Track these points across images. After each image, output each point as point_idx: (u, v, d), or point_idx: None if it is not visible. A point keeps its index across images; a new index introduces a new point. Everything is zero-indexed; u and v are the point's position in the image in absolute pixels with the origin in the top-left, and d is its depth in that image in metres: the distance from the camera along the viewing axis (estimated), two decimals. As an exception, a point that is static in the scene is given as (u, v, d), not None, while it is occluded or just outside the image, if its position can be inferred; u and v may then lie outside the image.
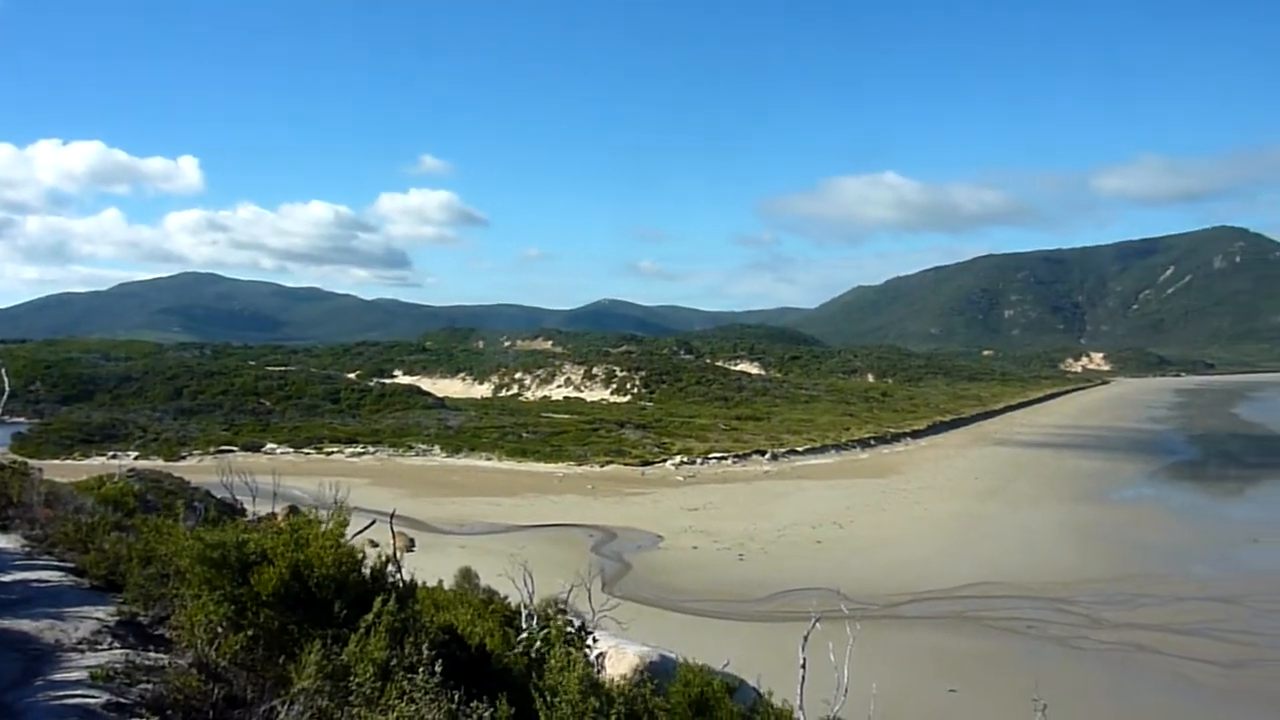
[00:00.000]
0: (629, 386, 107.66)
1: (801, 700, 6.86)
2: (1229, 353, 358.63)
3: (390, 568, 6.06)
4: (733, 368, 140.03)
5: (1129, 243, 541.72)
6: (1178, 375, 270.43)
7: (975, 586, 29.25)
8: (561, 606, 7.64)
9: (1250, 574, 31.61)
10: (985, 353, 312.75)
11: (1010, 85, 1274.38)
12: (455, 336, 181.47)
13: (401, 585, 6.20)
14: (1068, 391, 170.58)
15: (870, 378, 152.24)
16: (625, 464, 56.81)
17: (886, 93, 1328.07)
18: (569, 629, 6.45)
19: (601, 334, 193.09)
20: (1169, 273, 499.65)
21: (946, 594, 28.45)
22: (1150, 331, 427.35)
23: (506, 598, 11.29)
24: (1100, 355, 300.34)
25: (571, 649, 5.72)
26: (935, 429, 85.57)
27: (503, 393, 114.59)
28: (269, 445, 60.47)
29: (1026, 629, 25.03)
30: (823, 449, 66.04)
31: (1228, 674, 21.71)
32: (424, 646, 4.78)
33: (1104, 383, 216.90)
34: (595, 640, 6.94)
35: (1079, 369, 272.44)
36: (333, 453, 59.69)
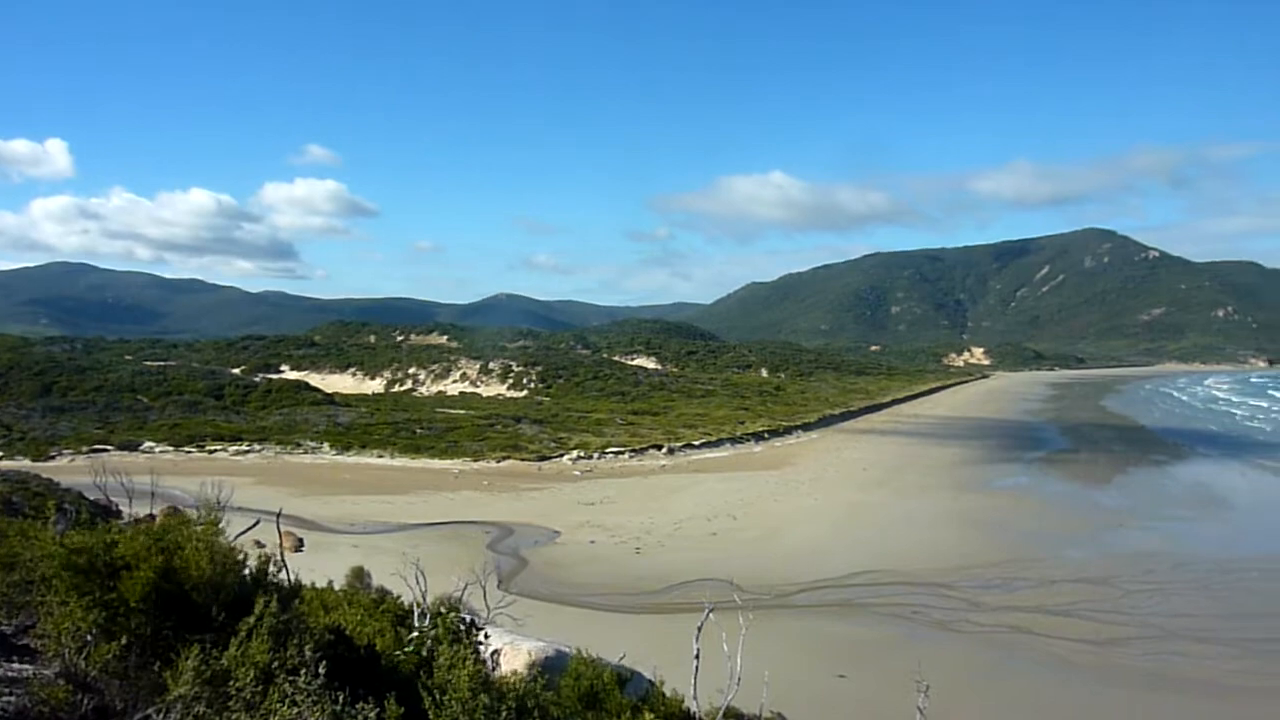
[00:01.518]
0: (525, 381, 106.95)
1: (695, 690, 6.95)
2: (1098, 348, 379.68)
3: (273, 568, 5.87)
4: (629, 362, 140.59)
5: (1006, 243, 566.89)
6: (1052, 369, 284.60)
7: (864, 574, 30.16)
8: (454, 604, 7.54)
9: (1118, 556, 33.51)
10: (873, 348, 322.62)
11: (890, 92, 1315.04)
12: (346, 331, 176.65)
13: (286, 586, 6.01)
14: (951, 385, 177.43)
15: (764, 372, 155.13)
16: (522, 459, 56.44)
17: (775, 94, 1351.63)
18: (458, 626, 6.36)
19: (498, 328, 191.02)
20: (1044, 272, 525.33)
21: (836, 582, 29.25)
22: (1027, 327, 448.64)
23: (399, 597, 11.07)
24: (981, 350, 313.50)
25: (460, 646, 5.65)
26: (826, 422, 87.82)
27: (395, 388, 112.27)
28: (147, 444, 57.75)
29: (911, 614, 25.94)
30: (718, 443, 67.00)
31: (1098, 651, 22.97)
32: (308, 648, 4.64)
33: (984, 376, 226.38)
34: (486, 637, 6.87)
35: (961, 363, 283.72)
36: (216, 451, 57.41)
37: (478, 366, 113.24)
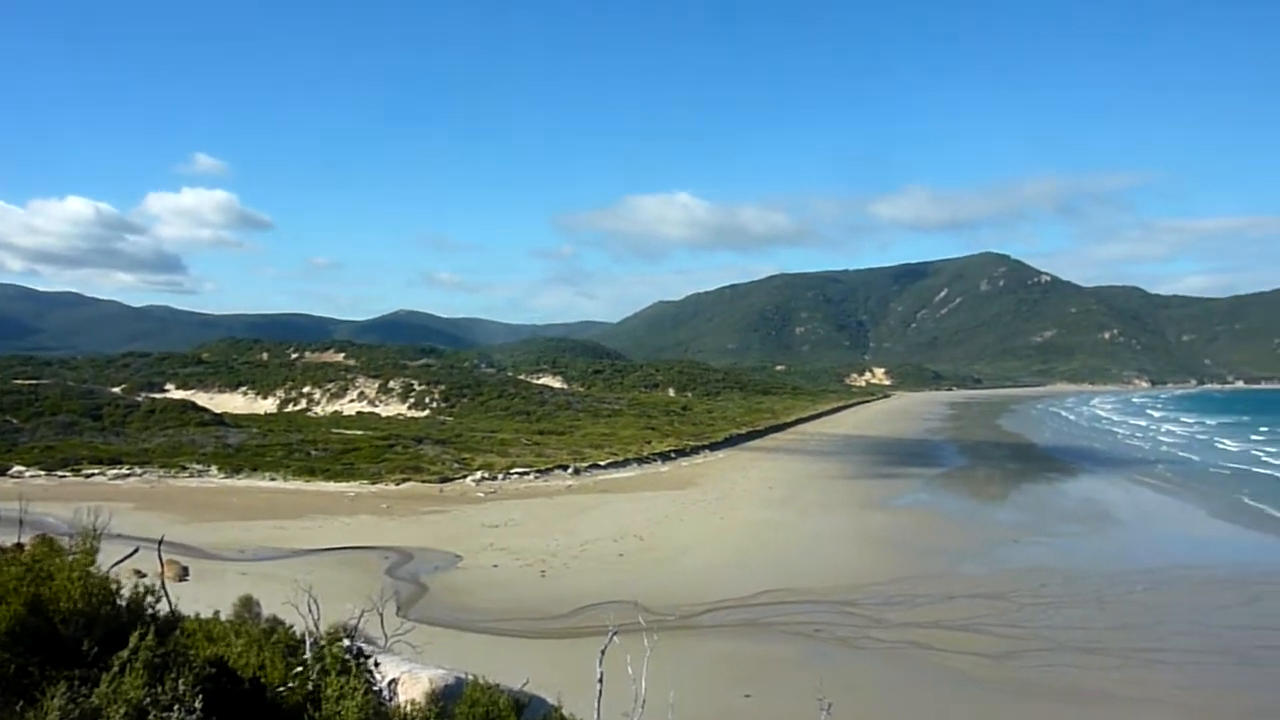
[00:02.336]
0: (427, 400, 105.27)
1: (599, 714, 6.90)
2: (993, 368, 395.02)
3: (152, 598, 5.59)
4: (535, 381, 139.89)
5: (906, 265, 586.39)
6: (950, 389, 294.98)
7: (769, 593, 30.52)
8: (349, 632, 7.31)
9: (1013, 571, 34.76)
10: (778, 367, 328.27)
11: (792, 116, 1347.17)
12: (236, 348, 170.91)
13: (166, 617, 5.73)
14: (853, 405, 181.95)
15: (671, 391, 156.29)
16: (423, 481, 55.40)
17: (679, 115, 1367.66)
18: (345, 656, 6.17)
19: (398, 346, 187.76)
20: (942, 294, 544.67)
21: (742, 601, 29.52)
22: (926, 348, 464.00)
23: (291, 627, 10.69)
24: (882, 370, 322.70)
25: (350, 677, 5.47)
26: (732, 441, 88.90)
27: (289, 408, 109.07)
28: (16, 468, 54.57)
29: (815, 632, 26.36)
30: (625, 463, 67.08)
31: (995, 664, 23.73)
32: (184, 682, 4.42)
33: (885, 396, 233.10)
34: (376, 665, 6.67)
35: (863, 383, 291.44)
36: (93, 475, 54.62)
37: (377, 385, 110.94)
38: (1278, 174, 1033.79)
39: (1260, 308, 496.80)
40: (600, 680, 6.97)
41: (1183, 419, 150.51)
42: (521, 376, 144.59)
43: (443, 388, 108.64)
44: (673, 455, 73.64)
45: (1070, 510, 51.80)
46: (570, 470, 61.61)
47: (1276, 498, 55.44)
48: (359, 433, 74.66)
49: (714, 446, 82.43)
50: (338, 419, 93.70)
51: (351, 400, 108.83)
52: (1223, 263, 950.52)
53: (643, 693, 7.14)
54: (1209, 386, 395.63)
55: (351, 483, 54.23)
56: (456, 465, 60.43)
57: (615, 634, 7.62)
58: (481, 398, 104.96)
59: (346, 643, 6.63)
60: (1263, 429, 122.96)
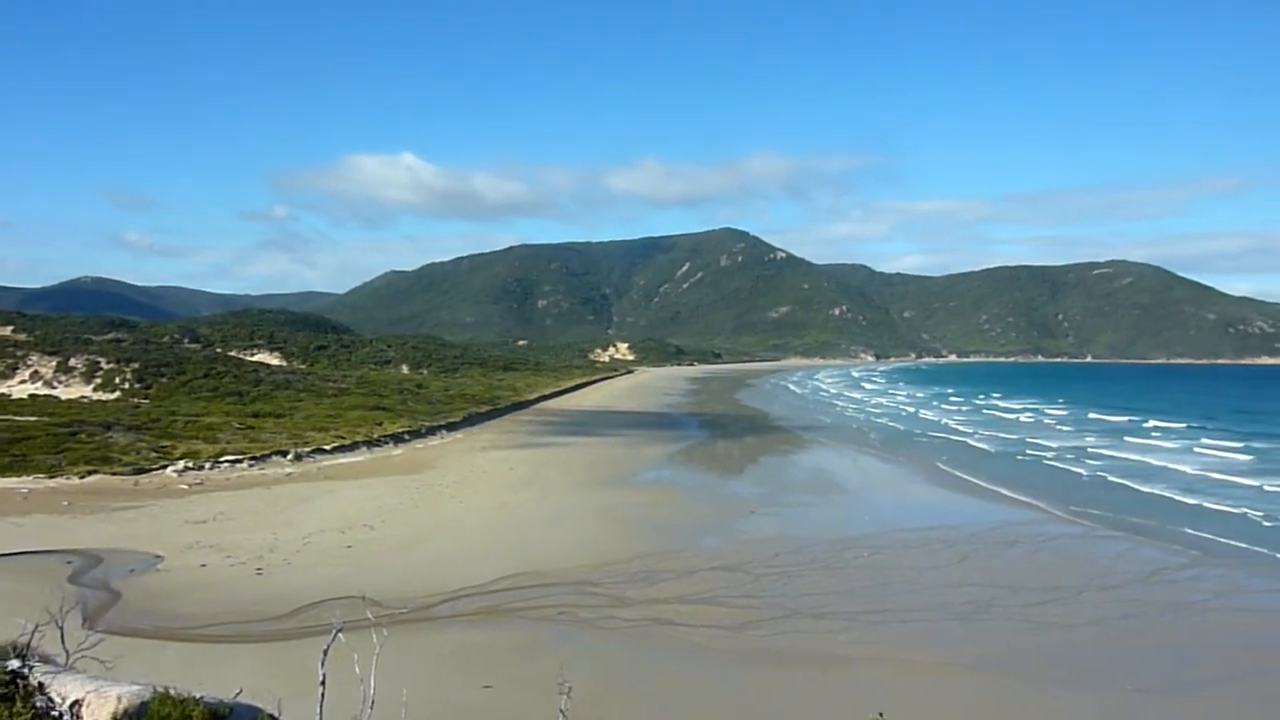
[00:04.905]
0: (118, 381, 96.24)
1: (321, 718, 6.67)
2: (732, 344, 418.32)
3: None
4: (249, 358, 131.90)
5: (649, 239, 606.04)
6: (691, 364, 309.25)
7: (510, 578, 30.73)
8: (18, 653, 6.58)
9: (750, 542, 37.15)
10: (520, 342, 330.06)
11: (516, 78, 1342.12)
12: None
13: None
14: (597, 380, 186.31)
15: (405, 369, 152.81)
16: (113, 473, 50.74)
17: (403, 70, 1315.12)
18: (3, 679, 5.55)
19: (82, 318, 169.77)
20: (684, 269, 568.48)
21: (481, 588, 29.53)
22: (669, 323, 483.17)
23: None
24: (626, 345, 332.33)
25: (13, 705, 4.94)
26: (472, 421, 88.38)
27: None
28: None
29: (558, 615, 26.88)
30: (353, 446, 64.87)
31: (732, 635, 25.30)
32: None
33: (629, 371, 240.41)
34: (41, 688, 6.06)
35: (607, 358, 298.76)
36: None
37: (55, 363, 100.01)
38: (980, 161, 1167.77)
39: (969, 286, 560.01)
40: (323, 683, 6.74)
41: (892, 391, 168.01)
42: (233, 353, 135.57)
43: (136, 366, 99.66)
44: (407, 437, 72.11)
45: (801, 481, 56.08)
46: (290, 456, 58.71)
47: (967, 463, 63.57)
48: (33, 419, 67.01)
49: (452, 427, 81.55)
50: (4, 403, 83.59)
51: (23, 381, 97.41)
52: (936, 243, 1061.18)
53: (371, 693, 6.98)
54: (926, 360, 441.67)
55: (24, 477, 48.75)
56: (154, 454, 55.82)
57: (339, 631, 7.38)
58: (184, 377, 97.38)
59: (15, 664, 5.95)
60: (956, 400, 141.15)
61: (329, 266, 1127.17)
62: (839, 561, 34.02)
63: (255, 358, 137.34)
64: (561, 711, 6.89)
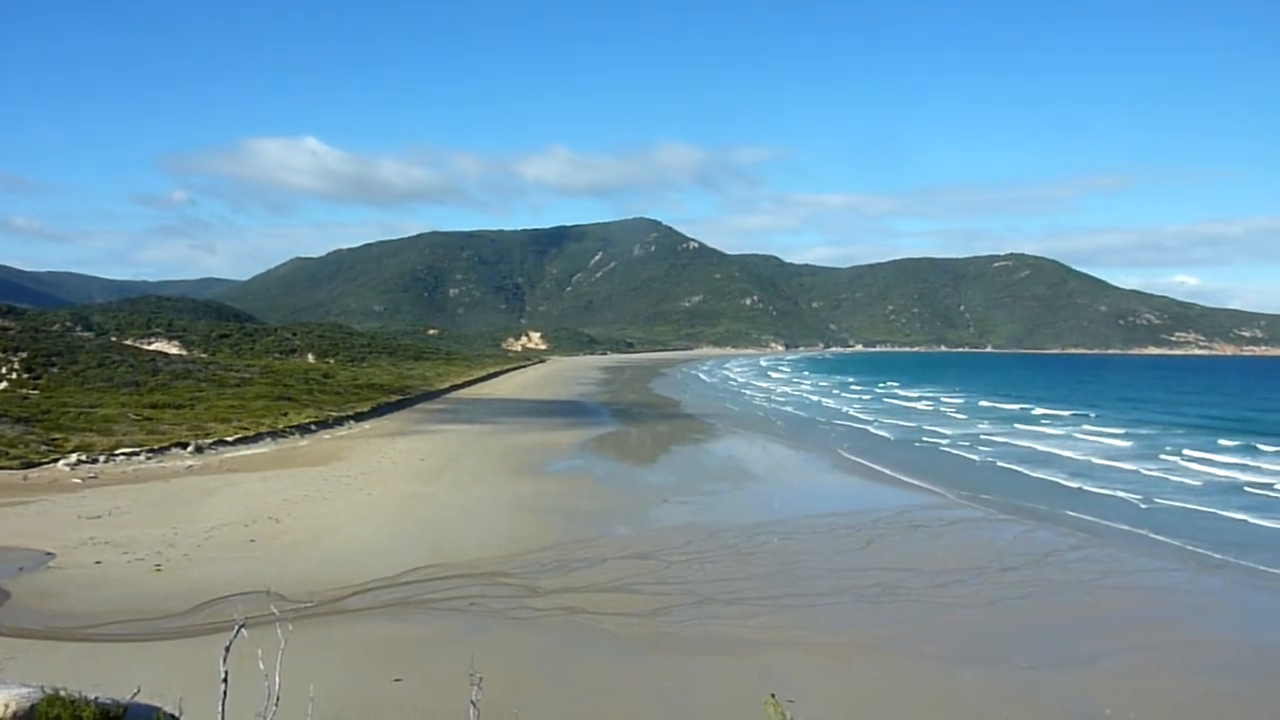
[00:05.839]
0: (4, 371, 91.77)
1: (223, 717, 6.50)
2: (645, 333, 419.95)
3: None
4: (147, 347, 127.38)
5: (561, 228, 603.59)
6: (604, 353, 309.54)
7: (421, 570, 30.38)
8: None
9: (662, 530, 37.42)
10: (431, 331, 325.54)
11: (421, 60, 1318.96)
12: None
13: None
14: (509, 369, 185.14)
15: (311, 357, 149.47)
16: (1, 467, 48.50)
17: (304, 53, 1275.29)
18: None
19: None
20: (597, 258, 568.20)
21: (392, 581, 29.12)
22: (582, 312, 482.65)
23: None
24: (539, 334, 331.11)
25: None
26: (381, 410, 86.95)
27: None
28: None
29: (470, 606, 26.68)
30: (257, 438, 63.19)
31: (643, 622, 25.45)
32: None
33: (542, 361, 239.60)
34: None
35: (519, 347, 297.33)
36: None
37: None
38: (884, 157, 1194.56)
39: (875, 278, 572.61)
40: (225, 680, 6.57)
41: (797, 380, 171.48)
42: (129, 342, 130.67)
43: (24, 355, 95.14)
44: (313, 428, 70.56)
45: (711, 469, 56.68)
46: (191, 449, 56.89)
47: (869, 450, 65.28)
48: (-92, 411, 63.54)
49: (360, 417, 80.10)
50: (-123, 395, 78.98)
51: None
52: (842, 235, 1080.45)
53: (277, 689, 6.83)
54: (834, 349, 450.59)
55: (-101, 473, 46.20)
56: (45, 448, 53.50)
57: (242, 627, 7.20)
58: (77, 366, 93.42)
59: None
60: (858, 389, 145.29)
61: (231, 253, 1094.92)
62: (750, 547, 34.51)
63: (153, 346, 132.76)
64: (472, 702, 6.85)
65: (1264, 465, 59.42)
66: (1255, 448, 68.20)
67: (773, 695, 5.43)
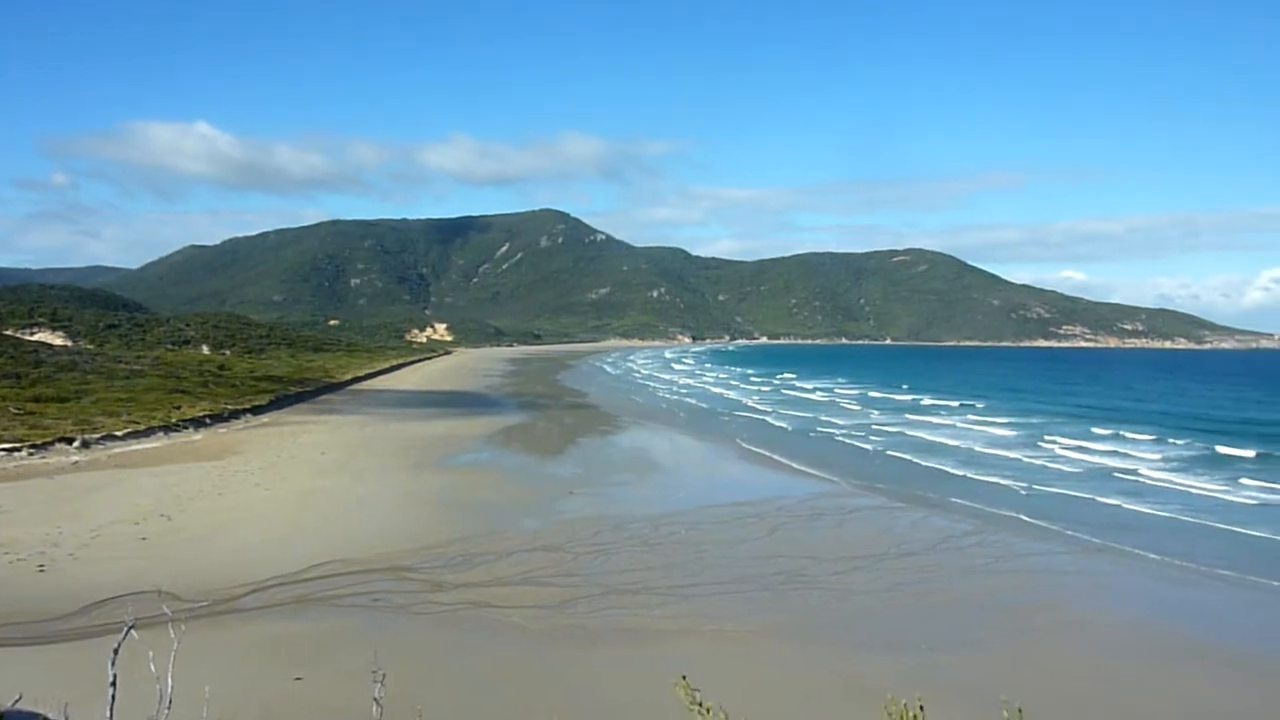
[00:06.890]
0: None
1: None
2: (552, 325, 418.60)
3: None
4: (28, 338, 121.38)
5: (468, 218, 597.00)
6: (511, 345, 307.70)
7: (321, 566, 29.75)
8: None
9: (570, 522, 37.38)
10: (332, 322, 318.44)
11: (318, 44, 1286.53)
12: None
13: None
14: (414, 361, 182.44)
15: (206, 349, 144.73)
16: None
17: (192, 35, 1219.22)
18: None
19: None
20: (504, 249, 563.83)
21: (291, 578, 28.44)
22: (488, 304, 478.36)
23: None
24: (444, 326, 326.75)
25: None
26: (280, 403, 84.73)
27: None
28: None
29: (372, 602, 26.24)
30: (148, 432, 60.89)
31: (550, 615, 25.40)
32: None
33: (447, 353, 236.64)
34: None
35: (424, 339, 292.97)
36: None
37: None
38: (786, 153, 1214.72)
39: (779, 272, 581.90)
40: (114, 684, 6.33)
41: (699, 373, 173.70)
42: (9, 332, 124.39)
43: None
44: (208, 421, 68.33)
45: (617, 460, 56.87)
46: (77, 444, 54.50)
47: (768, 440, 66.51)
48: None
49: (258, 410, 77.91)
50: None
51: None
52: (746, 229, 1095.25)
53: (169, 691, 6.61)
54: (739, 342, 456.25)
55: None
56: (-84, 443, 50.60)
57: (132, 628, 6.95)
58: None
59: None
60: (757, 380, 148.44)
61: (119, 240, 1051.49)
62: (656, 538, 34.75)
63: (35, 337, 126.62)
64: (375, 700, 6.75)
65: (1131, 452, 62.84)
66: (1123, 435, 71.97)
67: (684, 677, 5.48)
